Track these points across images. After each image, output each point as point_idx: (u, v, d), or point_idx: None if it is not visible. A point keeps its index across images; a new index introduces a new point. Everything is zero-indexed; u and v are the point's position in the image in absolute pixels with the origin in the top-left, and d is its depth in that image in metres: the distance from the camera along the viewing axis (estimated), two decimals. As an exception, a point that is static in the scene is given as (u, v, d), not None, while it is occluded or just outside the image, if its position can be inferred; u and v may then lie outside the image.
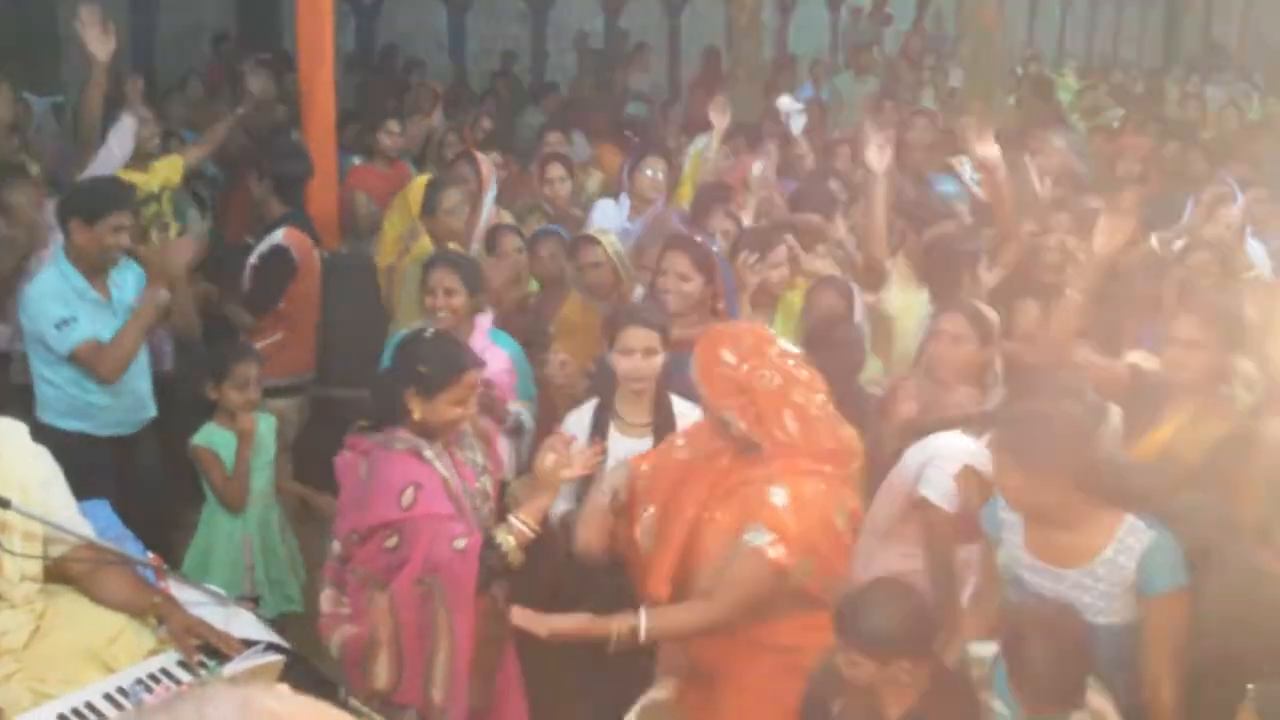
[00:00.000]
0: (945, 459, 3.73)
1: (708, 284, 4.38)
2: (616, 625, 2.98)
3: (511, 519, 3.31)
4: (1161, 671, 3.04)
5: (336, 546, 3.56)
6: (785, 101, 7.35)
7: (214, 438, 4.51)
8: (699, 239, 4.64)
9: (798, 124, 7.14)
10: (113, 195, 4.66)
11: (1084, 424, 3.36)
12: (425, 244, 5.44)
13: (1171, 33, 20.26)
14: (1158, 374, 3.88)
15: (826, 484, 3.08)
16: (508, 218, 6.14)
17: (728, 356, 3.10)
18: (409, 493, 3.30)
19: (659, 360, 3.81)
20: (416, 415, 3.40)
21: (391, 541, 3.32)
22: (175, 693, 2.82)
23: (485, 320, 4.52)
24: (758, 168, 6.19)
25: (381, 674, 3.36)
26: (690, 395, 3.62)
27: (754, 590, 3.03)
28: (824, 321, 4.51)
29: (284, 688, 0.91)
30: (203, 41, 11.92)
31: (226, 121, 6.54)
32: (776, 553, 2.98)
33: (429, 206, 5.47)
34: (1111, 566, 3.08)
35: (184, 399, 4.77)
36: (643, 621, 2.98)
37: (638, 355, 3.79)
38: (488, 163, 6.13)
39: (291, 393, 5.48)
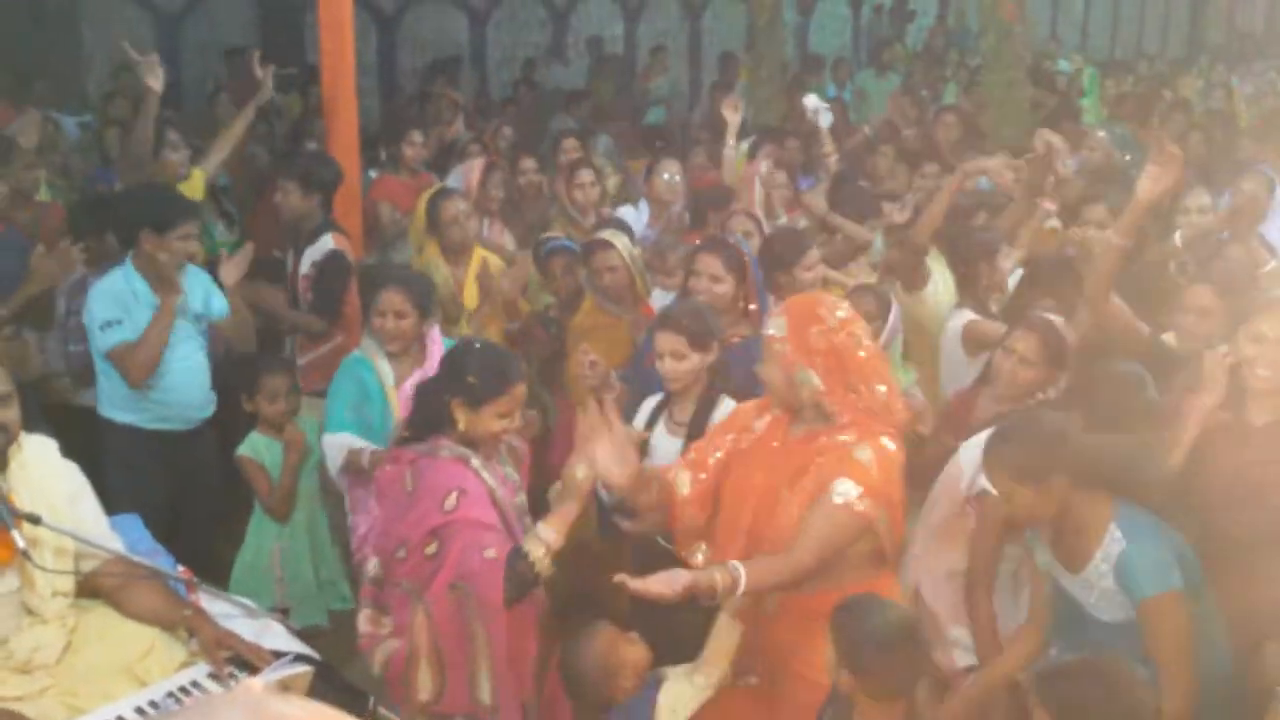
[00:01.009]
0: None
1: (739, 285, 4.38)
2: (720, 577, 2.98)
3: (539, 527, 3.30)
4: (1167, 672, 3.01)
5: (372, 568, 3.55)
6: (812, 100, 7.36)
7: (258, 447, 4.60)
8: (731, 240, 4.65)
9: (825, 120, 7.16)
10: (183, 206, 4.92)
11: (1068, 421, 3.32)
12: (432, 254, 5.46)
13: (1196, 23, 20.10)
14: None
15: (896, 445, 3.19)
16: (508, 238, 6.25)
17: (826, 316, 3.19)
18: (453, 497, 3.31)
19: (690, 364, 3.84)
20: (461, 426, 3.42)
21: (431, 548, 3.33)
22: (191, 700, 2.84)
23: (435, 330, 4.55)
24: (764, 167, 6.20)
25: (425, 684, 3.36)
26: (740, 393, 3.69)
27: (840, 541, 3.09)
28: None
29: (298, 697, 0.91)
30: (234, 57, 12.04)
31: (243, 117, 6.57)
32: (863, 505, 3.07)
33: (430, 220, 5.53)
34: (1099, 573, 3.15)
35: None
36: (743, 573, 2.99)
37: (667, 359, 3.85)
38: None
39: None
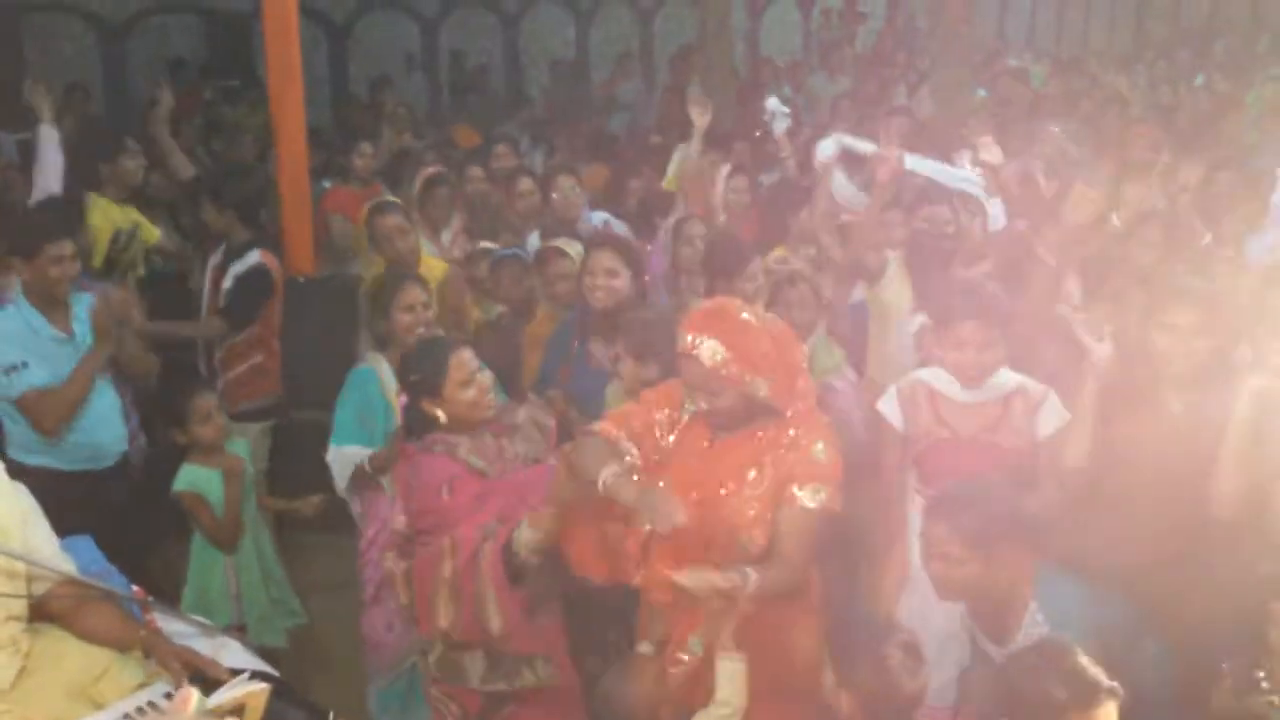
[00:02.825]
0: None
1: (636, 278, 4.43)
2: (740, 581, 3.01)
3: (522, 525, 3.32)
4: None
5: (400, 524, 3.71)
6: (772, 102, 7.36)
7: (195, 479, 4.42)
8: (620, 234, 4.70)
9: (780, 125, 7.16)
10: (45, 226, 4.62)
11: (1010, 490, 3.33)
12: (377, 268, 5.45)
13: (1142, 19, 20.36)
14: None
15: (830, 425, 3.28)
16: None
17: (751, 320, 3.21)
18: (445, 489, 3.50)
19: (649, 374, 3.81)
20: (442, 417, 3.59)
21: (429, 538, 3.51)
22: None
23: None
24: (723, 171, 6.21)
25: (445, 614, 3.43)
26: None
27: (818, 541, 3.20)
28: None
29: None
30: (176, 70, 11.93)
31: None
32: (834, 502, 3.18)
33: (370, 233, 5.50)
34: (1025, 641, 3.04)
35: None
36: (751, 580, 3.02)
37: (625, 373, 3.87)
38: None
39: (262, 416, 5.57)
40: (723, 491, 3.21)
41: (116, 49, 12.06)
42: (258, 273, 5.36)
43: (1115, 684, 2.55)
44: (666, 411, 3.41)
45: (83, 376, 4.48)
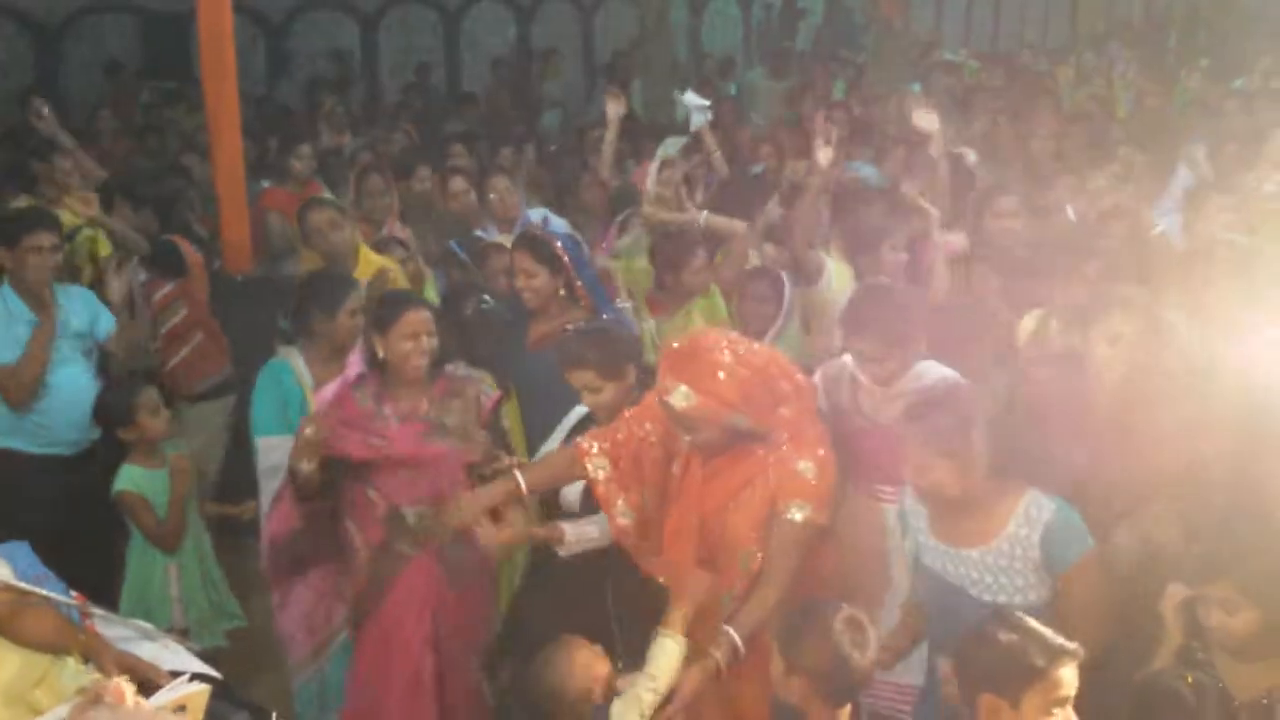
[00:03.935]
0: None
1: (554, 276, 4.48)
2: (721, 656, 3.16)
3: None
4: (1086, 635, 3.09)
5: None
6: (689, 97, 7.34)
7: (136, 479, 4.41)
8: (539, 234, 4.75)
9: (698, 120, 7.14)
10: (29, 218, 4.84)
11: (995, 401, 3.42)
12: (313, 265, 5.46)
13: (1075, 13, 20.62)
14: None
15: (827, 438, 3.34)
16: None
17: (720, 358, 3.20)
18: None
19: (606, 395, 3.76)
20: (380, 353, 3.93)
21: None
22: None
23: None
24: (652, 168, 6.24)
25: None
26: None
27: (803, 556, 3.27)
28: None
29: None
30: (112, 72, 11.77)
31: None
32: (819, 516, 3.25)
33: (302, 230, 5.56)
34: (1014, 542, 3.12)
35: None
36: (738, 640, 3.17)
37: (585, 394, 3.81)
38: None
39: (220, 392, 5.65)
40: (732, 504, 3.29)
41: (51, 51, 11.89)
42: (164, 245, 5.64)
43: (1076, 645, 2.62)
44: (650, 426, 3.47)
45: (36, 350, 4.63)
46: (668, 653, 3.16)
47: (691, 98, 7.24)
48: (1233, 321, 3.98)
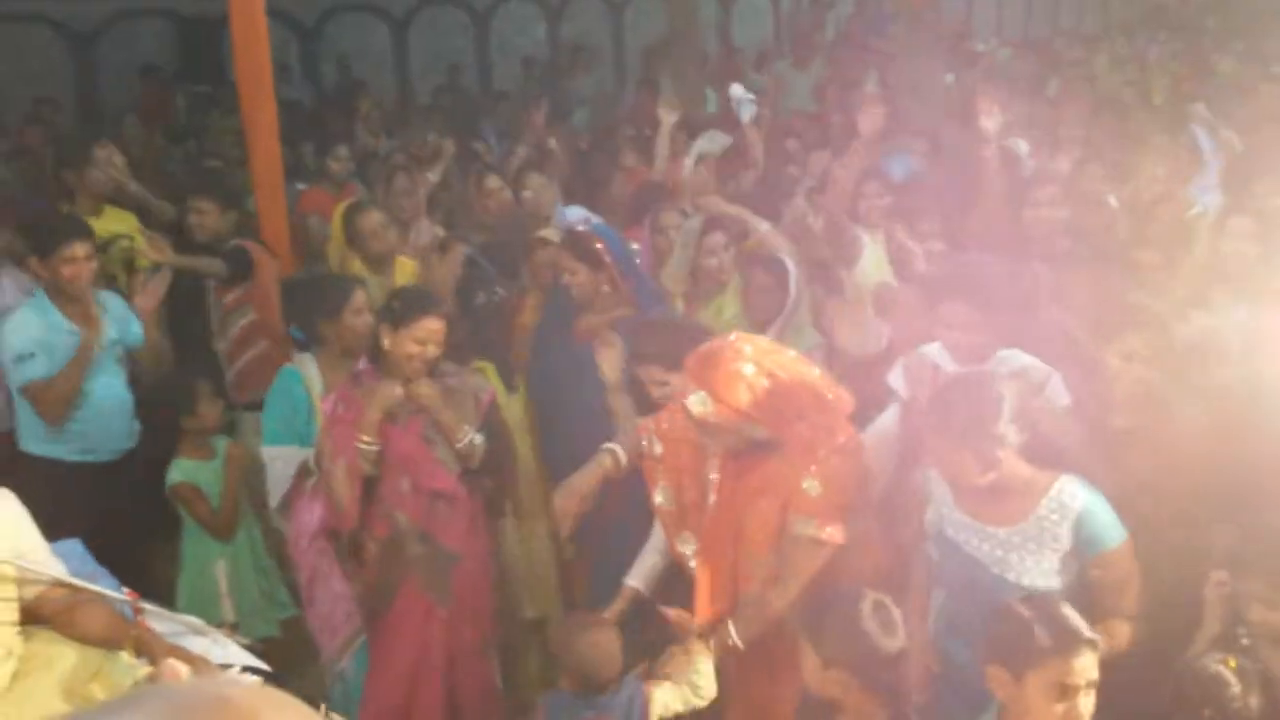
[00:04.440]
0: None
1: (594, 273, 4.56)
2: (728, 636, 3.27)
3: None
4: (1122, 616, 3.11)
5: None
6: (737, 89, 7.39)
7: (190, 472, 4.55)
8: (580, 231, 4.83)
9: (747, 112, 7.18)
10: (62, 229, 4.82)
11: (1023, 387, 3.41)
12: (356, 267, 5.50)
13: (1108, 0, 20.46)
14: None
15: (843, 452, 3.28)
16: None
17: (740, 367, 3.22)
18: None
19: (673, 385, 3.77)
20: (386, 344, 3.98)
21: None
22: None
23: None
24: (688, 164, 6.27)
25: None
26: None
27: (813, 570, 3.27)
28: None
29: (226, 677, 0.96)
30: (147, 76, 11.89)
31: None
32: (824, 533, 3.24)
33: (349, 233, 5.58)
34: (1043, 526, 3.13)
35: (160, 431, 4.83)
36: (734, 633, 3.28)
37: (654, 388, 3.86)
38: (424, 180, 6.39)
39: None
40: (743, 514, 3.34)
41: (86, 56, 12.03)
42: (235, 250, 5.61)
43: (1095, 635, 2.64)
44: (666, 433, 3.58)
45: (75, 368, 4.64)
46: (709, 672, 3.28)
47: (738, 90, 7.27)
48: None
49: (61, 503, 4.54)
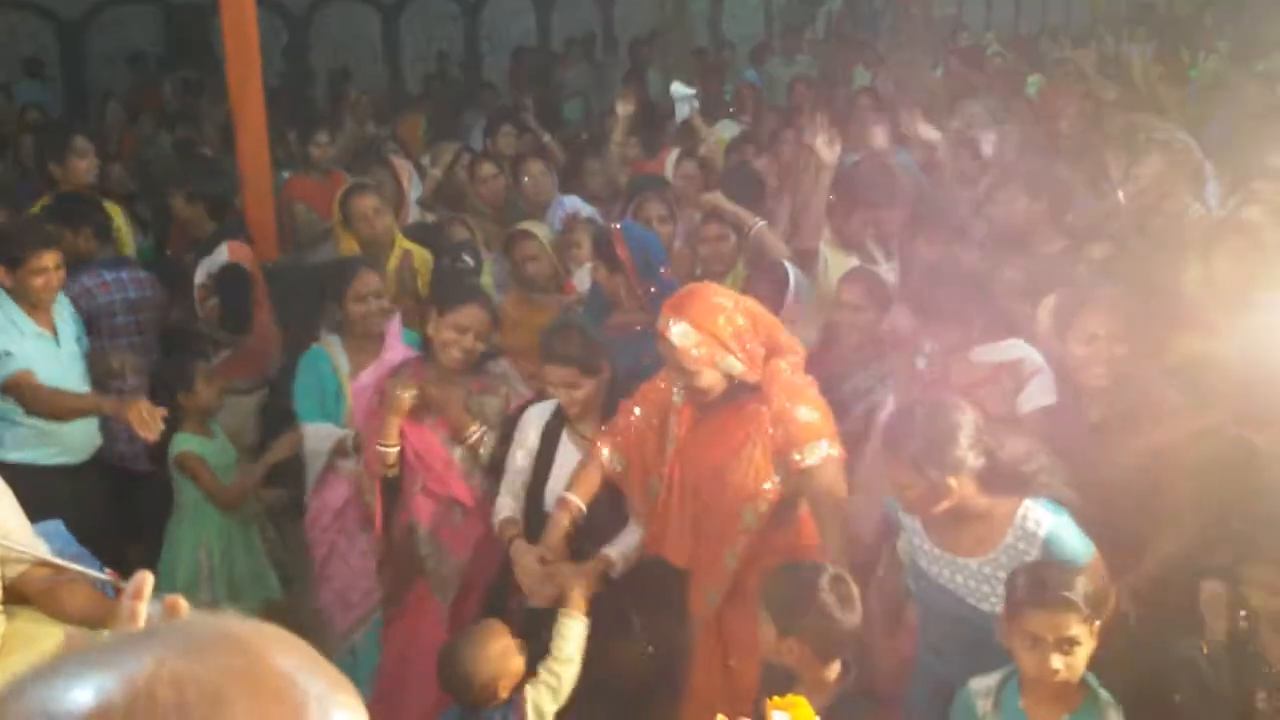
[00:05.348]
0: None
1: (612, 274, 4.46)
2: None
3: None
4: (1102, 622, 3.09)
5: None
6: (676, 88, 7.38)
7: (191, 444, 4.57)
8: (603, 229, 4.82)
9: (682, 111, 7.16)
10: (28, 240, 4.72)
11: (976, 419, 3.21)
12: (351, 249, 5.50)
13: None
14: None
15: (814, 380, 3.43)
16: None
17: (723, 301, 3.33)
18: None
19: (584, 391, 3.73)
20: (429, 329, 4.07)
21: None
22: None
23: (395, 321, 4.60)
24: (670, 157, 6.29)
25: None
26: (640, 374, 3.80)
27: (843, 487, 3.34)
28: None
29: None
30: (136, 63, 11.87)
31: None
32: (836, 449, 3.32)
33: (344, 216, 5.57)
34: (1011, 555, 2.99)
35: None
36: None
37: (561, 390, 3.78)
38: (404, 166, 6.30)
39: (252, 391, 5.62)
40: (719, 472, 3.35)
41: (75, 43, 12.00)
42: (229, 271, 5.41)
43: (1072, 597, 2.69)
44: (638, 410, 3.60)
45: (84, 404, 4.60)
46: (575, 634, 3.30)
47: (678, 88, 7.28)
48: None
49: (36, 506, 4.48)
